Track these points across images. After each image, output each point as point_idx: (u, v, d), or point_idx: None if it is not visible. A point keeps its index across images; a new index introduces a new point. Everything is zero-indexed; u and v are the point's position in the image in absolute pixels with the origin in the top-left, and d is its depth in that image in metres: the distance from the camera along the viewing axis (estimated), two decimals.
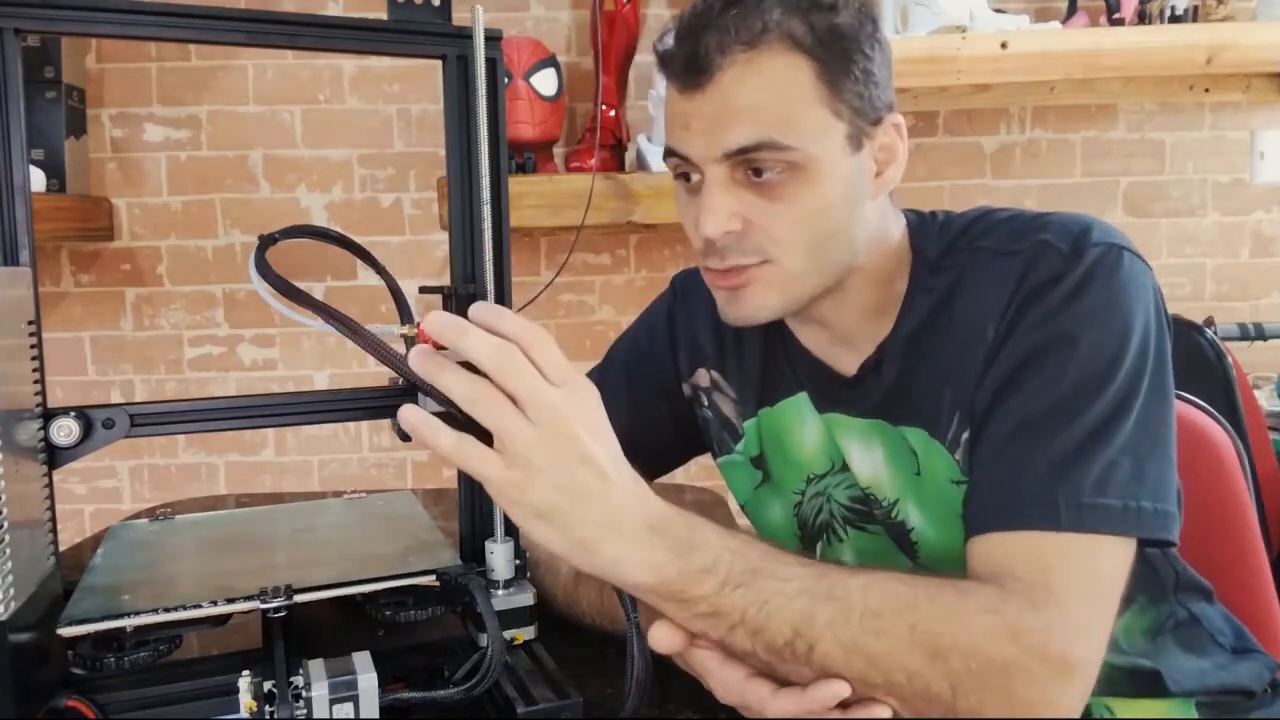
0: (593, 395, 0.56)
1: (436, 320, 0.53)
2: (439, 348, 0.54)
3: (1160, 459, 0.64)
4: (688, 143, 0.68)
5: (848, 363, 0.76)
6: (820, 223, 0.68)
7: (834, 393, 0.77)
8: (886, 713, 0.55)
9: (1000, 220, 0.74)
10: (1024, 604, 0.57)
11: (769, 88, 0.65)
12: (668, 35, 0.70)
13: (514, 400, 0.52)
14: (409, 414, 0.53)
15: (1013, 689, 0.55)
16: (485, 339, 0.52)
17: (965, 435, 0.69)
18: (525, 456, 0.52)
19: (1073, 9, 1.68)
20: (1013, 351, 0.66)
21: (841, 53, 0.66)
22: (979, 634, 0.55)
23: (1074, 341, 0.64)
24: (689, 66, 0.67)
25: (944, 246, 0.74)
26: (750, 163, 0.66)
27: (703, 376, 0.87)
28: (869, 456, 0.76)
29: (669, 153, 0.71)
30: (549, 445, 0.52)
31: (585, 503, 0.53)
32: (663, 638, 0.58)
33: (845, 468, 0.78)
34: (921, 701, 0.56)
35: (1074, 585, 0.59)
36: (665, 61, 0.70)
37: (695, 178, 0.70)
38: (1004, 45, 1.50)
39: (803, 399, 0.80)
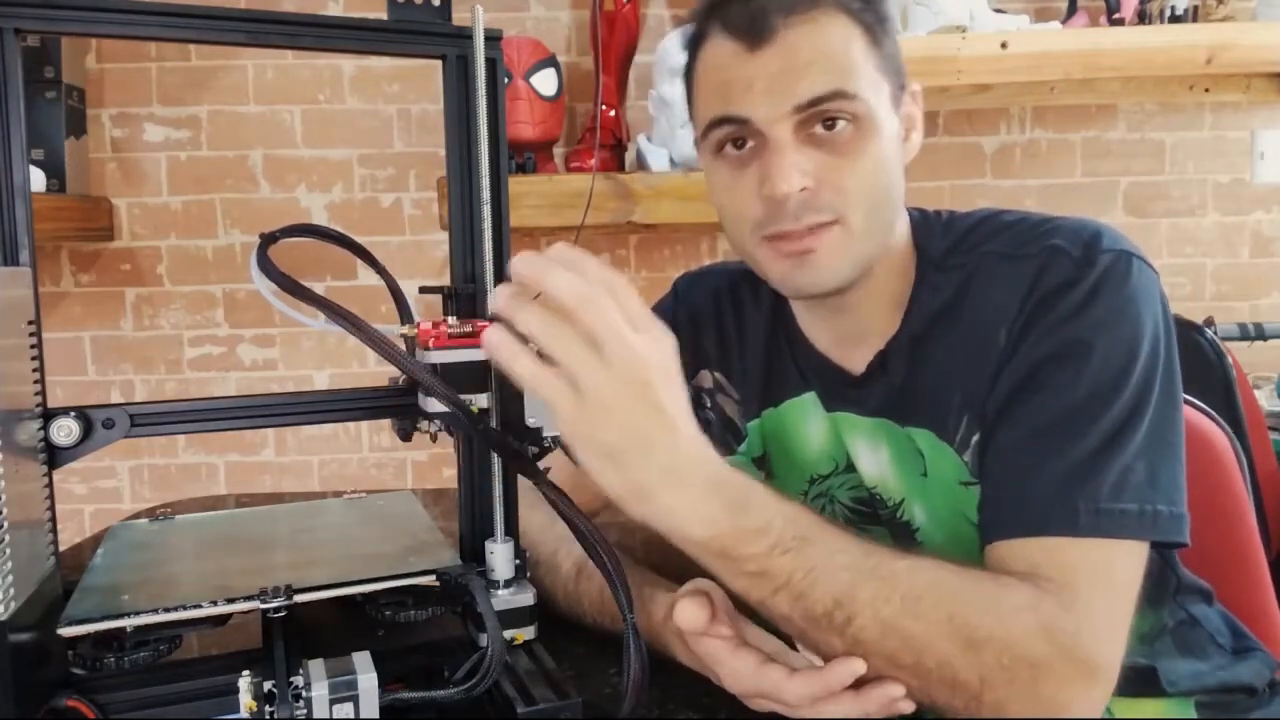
0: (669, 346, 0.55)
1: (523, 259, 0.52)
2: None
3: (1172, 462, 0.64)
4: (751, 103, 0.68)
5: (856, 361, 0.76)
6: (881, 179, 0.69)
7: (842, 392, 0.77)
8: (901, 690, 0.56)
9: (1008, 223, 0.74)
10: (1057, 605, 0.58)
11: (832, 43, 0.67)
12: None
13: (593, 341, 0.51)
14: (492, 334, 0.53)
15: (1039, 687, 0.56)
16: (571, 277, 0.52)
17: (976, 438, 0.69)
18: (598, 395, 0.51)
19: (1073, 9, 1.68)
20: (1026, 357, 0.66)
21: (881, 21, 0.70)
22: (1016, 630, 0.57)
23: (1087, 349, 0.64)
24: (752, 25, 0.67)
25: (949, 245, 0.74)
26: (822, 114, 0.67)
27: (705, 378, 0.87)
28: (875, 456, 0.76)
29: (720, 121, 0.70)
30: (622, 388, 0.52)
31: (651, 449, 0.53)
32: (687, 615, 0.58)
33: (849, 468, 0.78)
34: (946, 689, 0.57)
35: (1097, 590, 0.60)
36: (722, 19, 0.69)
37: (749, 145, 0.70)
38: (1004, 45, 1.50)
39: (809, 399, 0.79)
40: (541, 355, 0.52)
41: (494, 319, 0.54)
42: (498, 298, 0.53)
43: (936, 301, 0.73)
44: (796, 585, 0.56)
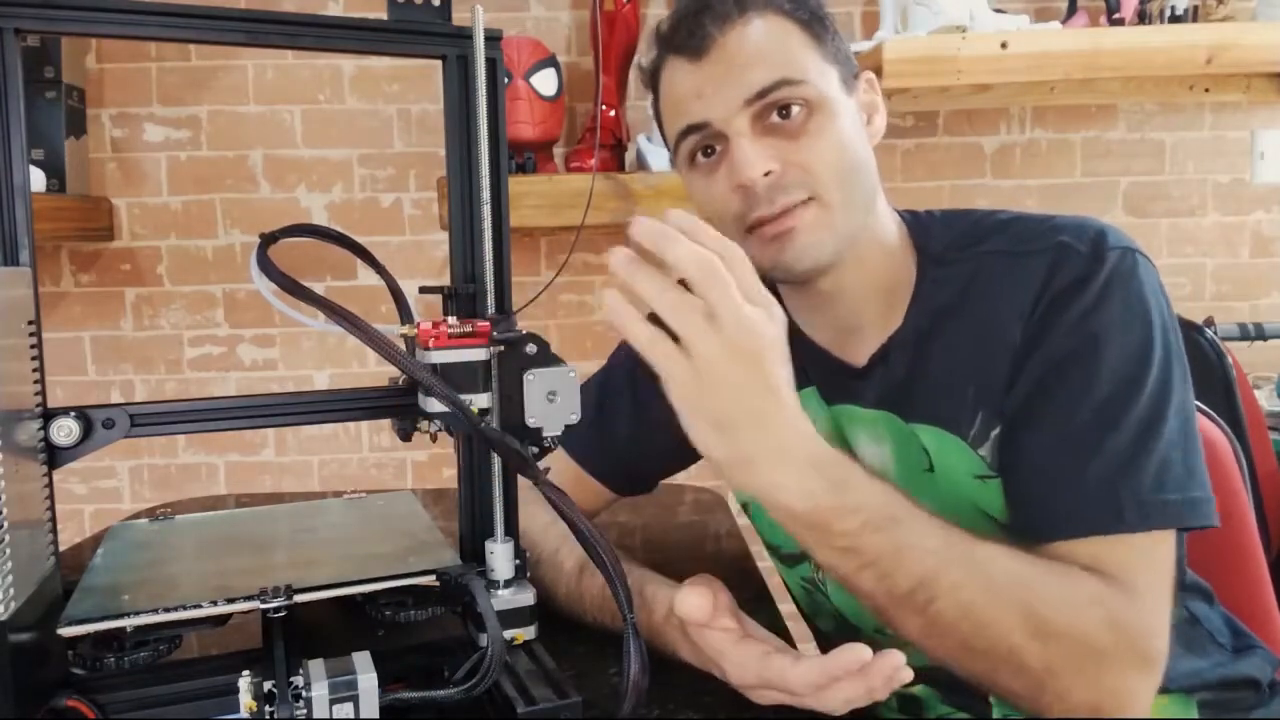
0: (780, 322, 0.56)
1: (644, 225, 0.54)
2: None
3: (1197, 448, 0.66)
4: (705, 107, 0.72)
5: (857, 354, 0.77)
6: (846, 156, 0.72)
7: (843, 384, 0.78)
8: (901, 658, 0.56)
9: (1007, 220, 0.76)
10: (1122, 598, 0.61)
11: (768, 40, 0.71)
12: (663, 24, 0.76)
13: (710, 312, 0.53)
14: (611, 298, 0.54)
15: (1102, 677, 0.59)
16: (693, 247, 0.53)
17: (995, 432, 0.70)
18: (711, 365, 0.53)
19: (1073, 9, 1.68)
20: (1045, 356, 0.68)
21: (818, 19, 0.73)
22: (1086, 622, 0.59)
23: (1105, 344, 0.66)
24: (692, 38, 0.72)
25: (950, 241, 0.76)
26: (774, 103, 0.70)
27: None
28: (877, 450, 0.76)
29: (686, 132, 0.74)
30: (734, 360, 0.53)
31: (759, 423, 0.55)
32: (691, 605, 0.59)
33: None
34: (1011, 674, 0.59)
35: (1149, 582, 0.62)
36: (669, 44, 0.74)
37: (718, 148, 0.73)
38: (1004, 45, 1.50)
39: (810, 393, 0.80)
40: (655, 320, 0.54)
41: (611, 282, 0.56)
42: (617, 261, 0.55)
43: (941, 297, 0.74)
44: (884, 564, 0.58)
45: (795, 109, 0.70)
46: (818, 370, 0.79)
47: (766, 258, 0.72)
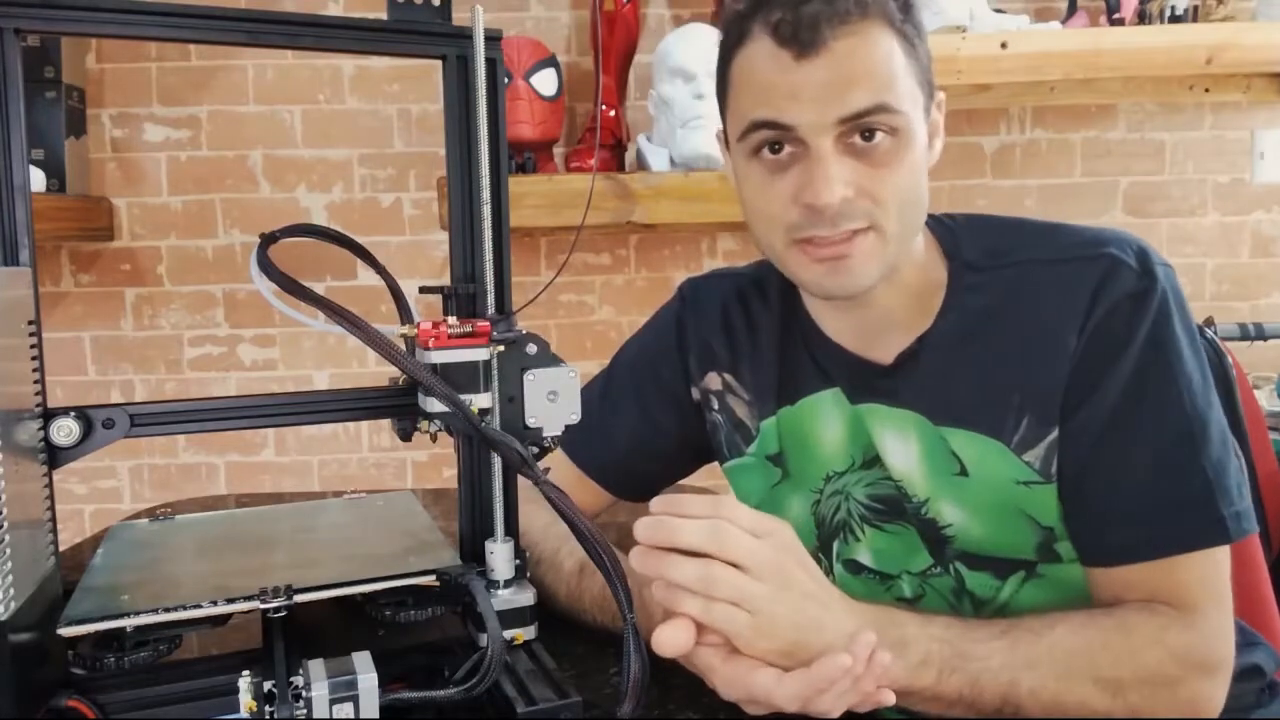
0: (789, 533, 0.62)
1: (645, 524, 0.60)
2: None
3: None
4: (797, 111, 0.68)
5: (884, 352, 0.76)
6: (913, 187, 0.71)
7: (870, 382, 0.77)
8: (888, 657, 0.59)
9: (1043, 228, 0.77)
10: (1179, 627, 0.66)
11: (877, 56, 0.68)
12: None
13: (738, 566, 0.59)
14: (663, 625, 0.59)
15: (1177, 695, 0.65)
16: (696, 525, 0.59)
17: (1050, 438, 0.71)
18: (766, 610, 0.59)
19: (1073, 9, 1.68)
20: (1121, 372, 0.69)
21: (916, 33, 0.72)
22: (1151, 666, 0.64)
23: (1178, 363, 0.69)
24: (801, 34, 0.67)
25: (984, 249, 0.76)
26: (864, 127, 0.68)
27: (714, 380, 0.87)
28: (904, 450, 0.75)
29: (762, 125, 0.70)
30: (782, 594, 0.59)
31: (818, 632, 0.60)
32: (668, 640, 0.58)
33: (868, 464, 0.78)
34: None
35: (1209, 594, 0.67)
36: (768, 23, 0.69)
37: (787, 150, 0.70)
38: (1004, 45, 1.50)
39: (828, 395, 0.79)
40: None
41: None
42: (641, 561, 0.60)
43: (980, 301, 0.74)
44: (967, 698, 0.63)
45: (880, 134, 0.68)
46: (841, 370, 0.79)
47: (810, 275, 0.71)
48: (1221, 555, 0.68)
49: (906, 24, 0.70)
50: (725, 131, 0.77)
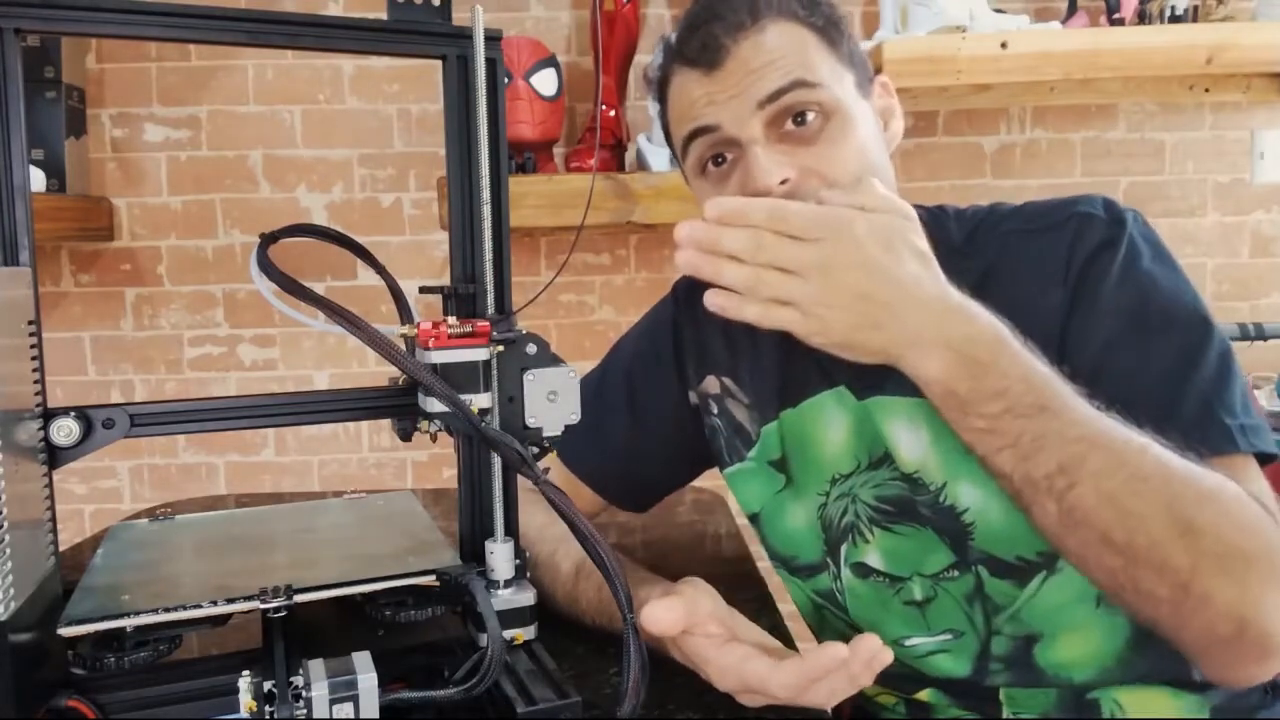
0: (864, 226, 0.60)
1: (716, 203, 0.60)
2: None
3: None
4: (715, 111, 0.71)
5: None
6: (865, 162, 0.71)
7: (873, 376, 0.77)
8: (877, 641, 0.56)
9: (1012, 208, 0.78)
10: (1261, 510, 0.60)
11: (782, 45, 0.70)
12: (672, 34, 0.75)
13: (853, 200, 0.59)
14: (688, 258, 0.62)
15: (1248, 580, 0.57)
16: (736, 233, 0.59)
17: None
18: (819, 314, 0.59)
19: (1073, 9, 1.68)
20: (1105, 311, 0.69)
21: (833, 25, 0.73)
22: (1235, 519, 0.58)
23: (1160, 292, 0.69)
24: (705, 50, 0.71)
25: (967, 233, 0.77)
26: (788, 108, 0.70)
27: (712, 384, 0.86)
28: (915, 438, 0.75)
29: (692, 135, 0.73)
30: (832, 293, 0.59)
31: (879, 329, 0.59)
32: (658, 618, 0.58)
33: (873, 465, 0.77)
34: (1153, 572, 0.57)
35: (1274, 507, 0.62)
36: (680, 54, 0.73)
37: (729, 156, 0.72)
38: (1004, 45, 1.50)
39: (832, 395, 0.79)
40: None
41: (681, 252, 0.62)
42: (690, 232, 0.60)
43: (966, 283, 0.74)
44: (1023, 448, 0.58)
45: (811, 115, 0.70)
46: (843, 368, 0.78)
47: None
48: (1257, 471, 0.64)
49: (814, 18, 0.72)
50: (679, 164, 0.80)
